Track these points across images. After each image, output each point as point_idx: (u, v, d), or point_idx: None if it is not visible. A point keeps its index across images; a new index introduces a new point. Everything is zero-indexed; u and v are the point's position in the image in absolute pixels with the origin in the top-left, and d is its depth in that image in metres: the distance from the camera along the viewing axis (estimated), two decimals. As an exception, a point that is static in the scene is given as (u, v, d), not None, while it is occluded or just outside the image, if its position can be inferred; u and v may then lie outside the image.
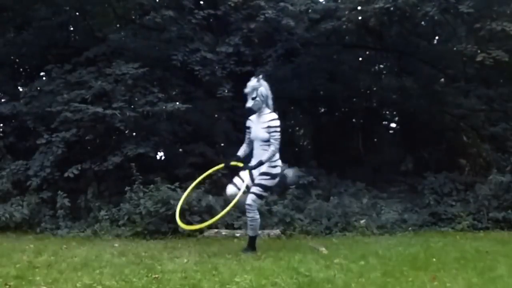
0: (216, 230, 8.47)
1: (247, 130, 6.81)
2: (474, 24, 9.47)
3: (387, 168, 12.38)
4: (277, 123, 6.55)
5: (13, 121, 10.98)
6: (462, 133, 13.83)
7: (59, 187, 9.52)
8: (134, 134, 10.89)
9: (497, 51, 9.09)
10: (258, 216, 6.58)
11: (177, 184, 9.07)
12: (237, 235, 8.27)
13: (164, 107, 9.87)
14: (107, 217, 8.94)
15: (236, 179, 6.68)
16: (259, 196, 6.58)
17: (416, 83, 12.74)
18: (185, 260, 5.99)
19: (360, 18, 10.20)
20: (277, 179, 6.70)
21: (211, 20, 11.44)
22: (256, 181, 6.57)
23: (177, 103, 10.33)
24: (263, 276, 4.94)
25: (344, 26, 10.86)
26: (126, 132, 10.82)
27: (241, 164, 6.66)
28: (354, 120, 14.52)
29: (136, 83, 10.19)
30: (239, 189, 6.46)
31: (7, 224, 8.86)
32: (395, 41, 12.58)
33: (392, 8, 9.64)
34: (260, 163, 6.54)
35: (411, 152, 12.42)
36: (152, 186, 9.04)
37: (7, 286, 4.61)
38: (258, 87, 6.60)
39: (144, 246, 7.42)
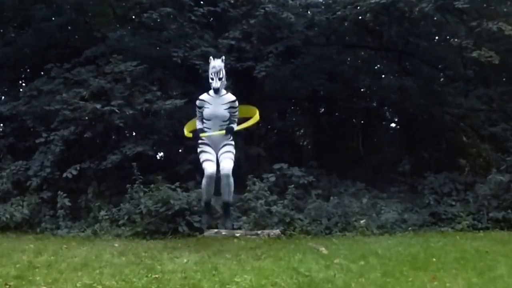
0: (216, 230, 8.47)
1: (199, 110, 6.86)
2: (471, 23, 9.48)
3: (387, 168, 12.38)
4: (237, 104, 6.86)
5: (13, 121, 10.98)
6: (462, 133, 13.83)
7: (59, 187, 9.52)
8: (133, 133, 10.88)
9: (491, 52, 9.10)
10: (232, 180, 6.87)
11: (177, 183, 9.07)
12: (237, 235, 8.26)
13: (162, 105, 9.85)
14: (107, 217, 8.94)
15: (209, 156, 6.75)
16: (233, 161, 6.83)
17: (416, 83, 12.75)
18: (185, 260, 5.99)
19: (355, 12, 10.15)
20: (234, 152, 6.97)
21: (210, 18, 11.43)
22: (225, 150, 6.76)
23: (176, 100, 10.30)
24: (263, 276, 4.94)
25: (344, 26, 10.87)
26: (126, 131, 10.82)
27: (223, 132, 6.79)
28: (354, 120, 14.53)
29: (135, 82, 10.19)
30: (215, 162, 6.69)
31: (7, 224, 8.87)
32: (395, 41, 12.58)
33: (387, 4, 9.63)
34: (232, 129, 6.83)
35: (411, 152, 12.42)
36: (152, 185, 9.05)
37: (7, 286, 4.61)
38: (222, 67, 6.77)
39: (144, 246, 7.41)
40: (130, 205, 8.90)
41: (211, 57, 6.92)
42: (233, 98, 6.86)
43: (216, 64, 6.72)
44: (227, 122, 6.80)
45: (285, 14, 10.17)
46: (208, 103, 6.78)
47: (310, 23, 11.42)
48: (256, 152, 11.15)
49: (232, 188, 6.92)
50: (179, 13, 10.65)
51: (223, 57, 6.96)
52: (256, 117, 7.10)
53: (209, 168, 6.64)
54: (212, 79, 6.69)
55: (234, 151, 6.87)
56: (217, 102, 6.75)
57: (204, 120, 6.85)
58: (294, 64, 12.05)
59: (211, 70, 6.73)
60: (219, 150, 6.83)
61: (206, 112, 6.76)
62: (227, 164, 6.65)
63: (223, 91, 6.85)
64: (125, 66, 10.00)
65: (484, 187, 9.81)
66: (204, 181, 6.78)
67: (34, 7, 11.68)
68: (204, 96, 6.85)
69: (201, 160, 6.82)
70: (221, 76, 6.69)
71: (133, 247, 7.23)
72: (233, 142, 6.94)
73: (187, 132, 7.13)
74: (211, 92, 6.78)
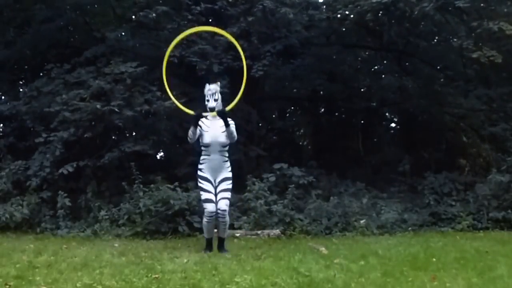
0: (216, 230, 8.46)
1: (199, 127, 6.75)
2: (472, 23, 9.48)
3: (387, 168, 12.39)
4: (233, 124, 6.81)
5: (13, 121, 10.99)
6: (462, 133, 13.84)
7: (59, 187, 9.52)
8: (134, 133, 10.88)
9: (492, 51, 9.10)
10: (228, 218, 6.87)
11: (177, 183, 9.07)
12: (237, 235, 8.28)
13: (162, 105, 9.84)
14: (107, 217, 8.94)
15: (208, 195, 6.68)
16: (230, 200, 6.82)
17: (416, 83, 12.75)
18: (185, 260, 5.99)
19: (356, 11, 10.14)
20: None
21: (209, 18, 11.41)
22: (223, 187, 6.71)
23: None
24: (263, 276, 4.94)
25: (344, 26, 10.86)
26: (126, 131, 10.81)
27: (214, 113, 6.72)
28: (354, 120, 14.53)
29: (135, 82, 10.18)
30: (215, 202, 6.64)
31: (7, 224, 8.86)
32: (395, 41, 12.58)
33: (388, 3, 9.62)
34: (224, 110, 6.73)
35: (411, 152, 12.43)
36: (152, 185, 9.05)
37: (7, 286, 4.61)
38: (218, 90, 6.88)
39: (144, 246, 7.41)
40: (130, 205, 8.90)
41: (206, 84, 6.96)
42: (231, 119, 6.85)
43: (212, 87, 6.83)
44: (227, 148, 6.81)
45: (283, 10, 10.14)
46: (207, 126, 6.75)
47: (310, 23, 11.42)
48: (256, 152, 11.15)
49: (227, 226, 6.92)
50: (177, 12, 10.64)
51: (219, 82, 7.08)
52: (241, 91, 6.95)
53: (209, 207, 6.64)
54: (208, 100, 6.78)
55: (231, 184, 6.80)
56: (215, 125, 6.73)
57: (202, 148, 6.81)
58: (294, 64, 12.04)
59: (206, 93, 6.81)
60: (217, 180, 6.73)
61: (205, 136, 6.72)
62: (224, 204, 6.64)
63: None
64: (125, 67, 10.00)
65: (484, 187, 9.81)
66: (204, 220, 6.74)
67: (34, 7, 11.68)
68: (204, 120, 6.81)
69: (201, 198, 6.82)
70: (216, 97, 6.78)
71: (133, 247, 7.23)
72: (230, 168, 6.86)
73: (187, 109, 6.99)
74: (209, 115, 6.78)
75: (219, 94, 6.86)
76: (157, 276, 5.01)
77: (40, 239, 8.22)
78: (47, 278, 4.91)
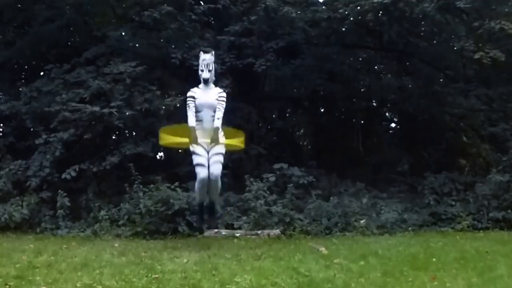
0: (216, 230, 8.48)
1: (191, 100, 6.90)
2: (473, 23, 9.47)
3: (387, 168, 12.37)
4: (225, 95, 6.94)
5: (12, 121, 10.98)
6: (462, 133, 13.84)
7: (59, 187, 9.51)
8: (134, 134, 10.88)
9: (494, 50, 9.09)
10: (220, 183, 6.93)
11: (177, 183, 9.07)
12: (237, 235, 8.28)
13: (162, 103, 9.85)
14: (107, 217, 8.95)
15: (200, 159, 6.72)
16: (222, 164, 6.85)
17: (416, 83, 12.74)
18: (185, 260, 5.99)
19: (356, 11, 10.14)
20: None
21: (211, 18, 11.42)
22: (216, 151, 6.75)
23: (176, 98, 10.27)
24: (263, 276, 4.94)
25: (344, 26, 10.83)
26: (126, 131, 10.80)
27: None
28: (354, 120, 14.51)
29: (135, 82, 10.18)
30: (206, 167, 6.68)
31: (7, 224, 8.86)
32: (395, 41, 12.57)
33: (389, 3, 9.61)
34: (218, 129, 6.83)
35: (411, 152, 12.42)
36: (152, 186, 9.05)
37: (7, 286, 4.61)
38: (213, 60, 6.96)
39: (144, 246, 7.42)
40: (130, 205, 8.90)
41: (201, 52, 7.05)
42: (221, 90, 7.07)
43: (206, 57, 6.88)
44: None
45: (286, 9, 10.16)
46: (197, 94, 6.89)
47: (311, 23, 11.41)
48: (256, 151, 11.15)
49: (219, 190, 7.04)
50: (179, 12, 10.65)
51: (213, 51, 7.12)
52: (241, 143, 7.19)
53: (201, 173, 6.68)
54: (202, 70, 6.87)
55: (223, 151, 6.87)
56: (207, 93, 6.87)
57: (196, 114, 6.88)
58: (294, 64, 12.03)
59: (201, 63, 6.91)
60: (210, 148, 6.81)
61: (197, 102, 6.84)
62: (216, 169, 6.69)
63: (212, 85, 7.01)
64: (124, 67, 9.99)
65: (484, 187, 9.81)
66: (197, 185, 6.84)
67: (34, 7, 11.68)
68: (194, 89, 6.98)
69: (194, 162, 6.85)
70: (210, 68, 6.87)
71: (133, 247, 7.23)
72: (223, 133, 6.93)
73: (162, 140, 7.18)
74: (201, 85, 6.95)
75: (213, 65, 6.95)
76: (157, 276, 5.01)
77: (40, 239, 8.22)
78: (47, 278, 4.92)
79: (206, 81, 6.87)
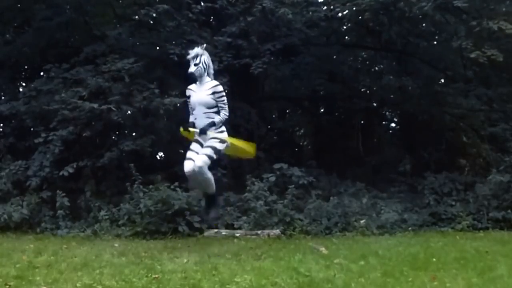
0: (216, 230, 8.48)
1: (188, 100, 6.81)
2: (471, 22, 9.48)
3: (387, 168, 12.38)
4: (221, 88, 6.66)
5: (12, 121, 10.99)
6: (462, 133, 13.84)
7: (59, 187, 9.52)
8: (133, 134, 10.88)
9: (492, 50, 9.09)
10: (210, 174, 6.65)
11: (177, 183, 9.07)
12: (237, 235, 8.28)
13: (161, 102, 9.84)
14: (107, 217, 8.95)
15: (190, 154, 6.60)
16: (209, 157, 6.51)
17: (416, 83, 12.74)
18: (185, 260, 5.99)
19: (354, 9, 10.12)
20: (225, 144, 6.68)
21: (210, 17, 11.42)
22: (207, 144, 6.53)
23: (175, 99, 10.26)
24: (263, 276, 4.94)
25: (344, 26, 10.83)
26: (126, 130, 10.81)
27: (197, 130, 6.58)
28: (354, 120, 14.52)
29: (134, 81, 10.18)
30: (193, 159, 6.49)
31: (7, 224, 8.86)
32: (395, 41, 12.58)
33: (387, 3, 9.61)
34: (213, 124, 6.56)
35: (411, 152, 12.42)
36: (152, 185, 9.05)
37: (7, 286, 4.61)
38: (201, 54, 6.66)
39: (144, 246, 7.41)
40: (130, 205, 8.90)
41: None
42: (216, 83, 6.68)
43: (194, 50, 6.67)
44: (214, 110, 6.59)
45: (282, 10, 10.14)
46: (193, 91, 6.72)
47: (309, 23, 11.41)
48: (256, 152, 11.14)
49: (208, 182, 6.66)
50: (177, 11, 10.65)
51: (204, 45, 6.90)
52: (252, 149, 7.12)
53: (185, 166, 6.52)
54: (189, 66, 6.65)
55: (216, 145, 6.55)
56: (200, 90, 6.65)
57: (192, 112, 6.76)
58: (294, 64, 12.03)
59: (188, 56, 6.69)
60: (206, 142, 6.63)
61: (191, 100, 6.69)
62: (199, 160, 6.42)
63: (207, 78, 6.70)
64: (122, 64, 9.98)
65: (484, 187, 9.81)
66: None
67: (34, 7, 11.68)
68: (190, 86, 6.82)
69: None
70: (197, 61, 6.58)
71: (133, 247, 7.23)
72: (220, 135, 6.62)
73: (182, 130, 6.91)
74: (197, 82, 6.74)
75: (202, 58, 6.61)
76: (157, 276, 5.01)
77: (40, 239, 8.22)
78: (47, 278, 4.91)
79: (191, 76, 6.61)
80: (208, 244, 7.41)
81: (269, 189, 9.34)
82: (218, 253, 6.59)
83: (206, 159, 6.48)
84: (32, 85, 10.70)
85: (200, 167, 6.41)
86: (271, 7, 10.18)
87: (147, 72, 10.44)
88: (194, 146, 6.64)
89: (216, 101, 6.59)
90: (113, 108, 9.41)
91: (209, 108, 6.58)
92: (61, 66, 10.57)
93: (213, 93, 6.58)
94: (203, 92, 6.61)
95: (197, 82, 6.73)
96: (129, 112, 9.80)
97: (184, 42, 10.38)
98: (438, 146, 13.21)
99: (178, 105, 9.91)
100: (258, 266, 5.55)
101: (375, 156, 13.23)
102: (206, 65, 6.68)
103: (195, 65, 6.58)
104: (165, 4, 10.33)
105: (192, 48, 6.78)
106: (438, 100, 12.45)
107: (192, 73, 6.59)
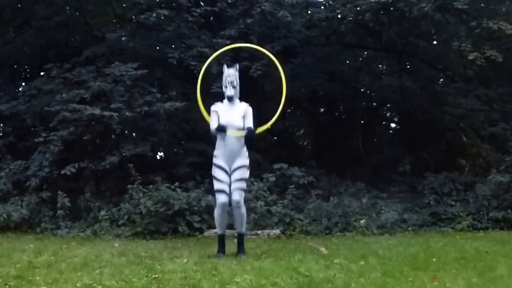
0: (216, 230, 8.45)
1: (214, 116, 6.47)
2: (471, 22, 9.48)
3: (387, 168, 12.38)
4: (251, 109, 6.55)
5: (12, 120, 10.99)
6: (462, 133, 13.85)
7: (59, 187, 9.52)
8: (133, 134, 10.88)
9: (491, 50, 9.09)
10: (245, 210, 6.55)
11: (176, 184, 9.08)
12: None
13: (162, 107, 9.85)
14: (107, 217, 8.95)
15: (220, 185, 6.33)
16: (245, 190, 6.51)
17: (416, 83, 12.75)
18: (185, 260, 5.98)
19: (355, 10, 10.12)
20: (248, 171, 6.58)
21: (210, 18, 11.41)
22: (238, 176, 6.34)
23: (176, 103, 10.26)
24: (263, 276, 4.93)
25: (344, 26, 10.83)
26: (126, 132, 10.81)
27: (242, 132, 6.38)
28: (354, 120, 14.53)
29: (135, 83, 10.19)
30: (227, 193, 6.32)
31: (7, 224, 8.87)
32: (395, 41, 12.59)
33: (387, 3, 9.60)
34: (253, 131, 6.44)
35: (411, 152, 12.43)
36: (152, 186, 9.05)
37: (7, 286, 4.60)
38: (237, 75, 6.52)
39: (144, 246, 7.41)
40: (130, 205, 8.90)
41: (224, 66, 6.63)
42: (246, 104, 6.54)
43: (230, 72, 6.47)
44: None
45: (281, 13, 10.12)
46: (223, 110, 6.45)
47: (309, 23, 11.41)
48: (256, 152, 11.14)
49: (245, 218, 6.60)
50: (177, 14, 10.66)
51: (237, 66, 6.70)
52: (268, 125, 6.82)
53: (220, 198, 6.30)
54: (226, 87, 6.43)
55: (247, 173, 6.45)
56: (231, 111, 6.43)
57: (218, 133, 6.45)
58: (294, 64, 12.03)
59: (225, 79, 6.47)
60: (232, 168, 6.36)
61: (220, 121, 6.37)
62: (238, 195, 6.28)
63: (237, 100, 6.54)
64: (125, 68, 9.97)
65: (484, 187, 9.82)
66: (216, 211, 6.46)
67: (34, 7, 11.68)
68: (218, 104, 6.53)
69: (214, 188, 6.46)
70: (235, 84, 6.44)
71: (133, 247, 7.22)
72: (247, 154, 6.47)
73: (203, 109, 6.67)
74: (225, 101, 6.52)
75: (237, 80, 6.48)
76: (157, 276, 5.01)
77: (40, 239, 8.21)
78: (47, 278, 4.91)
79: (230, 99, 6.43)
80: (208, 244, 7.40)
81: (269, 189, 9.35)
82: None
83: (242, 193, 6.39)
84: (33, 84, 10.70)
85: (239, 201, 6.28)
86: (270, 9, 10.18)
87: (148, 74, 10.44)
88: (220, 175, 6.35)
89: (247, 121, 6.43)
90: (115, 116, 9.39)
91: (240, 130, 6.39)
92: (62, 66, 10.57)
93: (245, 114, 6.46)
94: (236, 114, 6.41)
95: (225, 102, 6.50)
96: (129, 115, 9.77)
97: (183, 45, 10.38)
98: (438, 146, 13.23)
99: (177, 107, 9.93)
100: (258, 266, 5.54)
101: (375, 156, 13.23)
102: (238, 86, 6.54)
103: (233, 87, 6.43)
104: (165, 8, 10.34)
105: (229, 67, 6.55)
106: (438, 100, 12.46)
107: (231, 97, 6.42)
